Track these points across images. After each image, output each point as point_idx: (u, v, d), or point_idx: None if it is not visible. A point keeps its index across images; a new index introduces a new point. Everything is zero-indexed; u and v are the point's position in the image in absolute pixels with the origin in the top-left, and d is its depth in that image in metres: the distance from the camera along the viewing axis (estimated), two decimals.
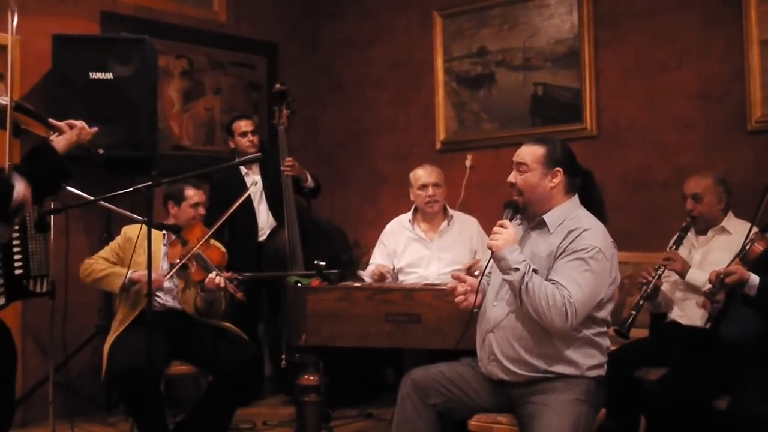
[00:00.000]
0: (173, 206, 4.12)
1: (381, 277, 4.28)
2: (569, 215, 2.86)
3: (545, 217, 2.88)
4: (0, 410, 2.72)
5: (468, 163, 5.34)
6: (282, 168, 4.81)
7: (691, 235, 3.85)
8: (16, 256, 2.88)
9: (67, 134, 2.77)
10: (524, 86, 5.16)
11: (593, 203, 2.95)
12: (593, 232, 2.78)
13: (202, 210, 4.15)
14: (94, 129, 2.92)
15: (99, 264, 4.01)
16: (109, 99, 4.51)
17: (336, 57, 6.20)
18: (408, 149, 5.70)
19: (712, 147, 4.42)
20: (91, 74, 4.50)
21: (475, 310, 3.00)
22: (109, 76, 4.52)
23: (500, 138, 5.18)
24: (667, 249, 3.79)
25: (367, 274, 4.43)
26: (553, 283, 2.71)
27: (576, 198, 2.94)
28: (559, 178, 2.89)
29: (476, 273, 3.70)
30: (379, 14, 5.94)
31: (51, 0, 4.77)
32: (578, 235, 2.75)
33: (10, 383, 2.73)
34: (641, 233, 4.61)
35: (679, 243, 3.82)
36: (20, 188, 2.43)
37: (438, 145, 5.56)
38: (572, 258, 2.73)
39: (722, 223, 3.75)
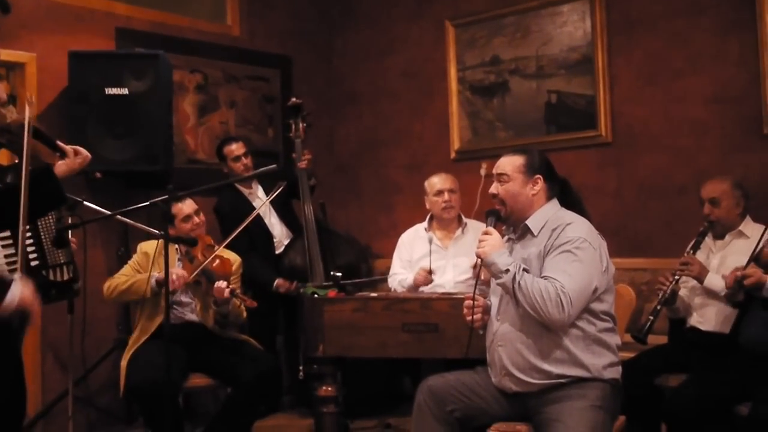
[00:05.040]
0: (171, 228, 4.05)
1: (425, 281, 4.28)
2: (551, 216, 2.93)
3: (528, 222, 2.94)
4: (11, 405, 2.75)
5: (483, 171, 5.32)
6: (299, 164, 4.86)
7: (708, 239, 3.82)
8: (30, 248, 2.88)
9: (70, 161, 2.72)
10: (538, 94, 5.15)
11: (573, 208, 3.00)
12: (576, 225, 2.84)
13: (197, 219, 4.12)
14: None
15: (120, 278, 4.03)
16: (124, 114, 4.55)
17: (350, 68, 6.22)
18: (423, 159, 5.70)
19: (729, 151, 4.39)
20: (107, 90, 4.54)
21: (481, 332, 3.04)
22: (125, 91, 4.55)
23: (515, 146, 5.14)
24: (685, 254, 3.77)
25: (408, 283, 4.41)
26: (545, 279, 2.74)
27: (555, 201, 3.00)
28: (539, 185, 2.96)
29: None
30: (391, 25, 5.96)
31: (67, 17, 4.82)
32: (562, 230, 2.82)
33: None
34: (658, 239, 4.59)
35: (696, 248, 3.80)
36: (15, 292, 2.26)
37: (452, 155, 5.55)
38: (559, 252, 2.79)
39: (740, 227, 3.73)
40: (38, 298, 2.30)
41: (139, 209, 3.26)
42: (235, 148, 4.93)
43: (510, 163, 2.98)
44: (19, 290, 2.23)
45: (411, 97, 5.85)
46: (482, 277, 3.03)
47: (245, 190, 4.96)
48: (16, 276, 2.28)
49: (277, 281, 4.70)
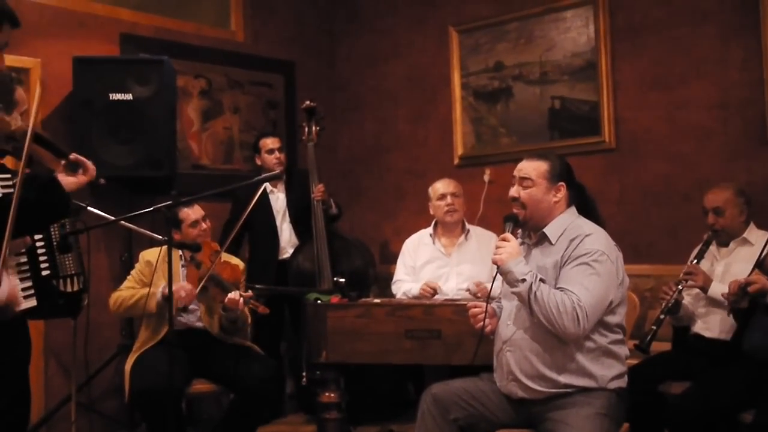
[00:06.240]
0: (176, 233, 4.06)
1: (434, 292, 4.28)
2: (569, 225, 2.90)
3: (546, 230, 2.91)
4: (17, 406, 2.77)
5: (486, 177, 5.33)
6: (313, 195, 4.89)
7: (712, 247, 3.81)
8: (42, 258, 2.92)
9: (81, 178, 2.70)
10: (542, 100, 5.15)
11: (588, 215, 2.98)
12: (594, 237, 2.81)
13: (204, 225, 4.12)
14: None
15: (126, 292, 4.01)
16: (129, 120, 4.55)
17: (353, 74, 6.22)
18: (426, 165, 5.70)
19: (732, 157, 4.38)
20: (111, 95, 4.54)
21: (492, 337, 3.03)
22: (129, 97, 4.56)
23: (518, 152, 5.11)
24: (689, 263, 3.76)
25: (413, 294, 4.40)
26: (561, 291, 2.71)
27: (573, 208, 2.98)
28: (562, 193, 2.94)
29: (479, 296, 3.75)
30: (395, 31, 5.96)
31: (71, 23, 4.83)
32: (580, 242, 2.79)
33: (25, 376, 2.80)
34: (662, 245, 4.58)
35: (700, 257, 3.78)
36: (3, 290, 2.44)
37: (456, 160, 5.55)
38: (577, 264, 2.76)
39: (744, 235, 3.72)
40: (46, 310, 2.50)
41: (143, 215, 3.26)
42: (270, 142, 5.13)
43: (534, 168, 2.94)
44: (6, 285, 2.43)
45: (414, 103, 5.85)
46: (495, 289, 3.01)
47: (268, 186, 5.02)
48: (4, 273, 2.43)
49: None
